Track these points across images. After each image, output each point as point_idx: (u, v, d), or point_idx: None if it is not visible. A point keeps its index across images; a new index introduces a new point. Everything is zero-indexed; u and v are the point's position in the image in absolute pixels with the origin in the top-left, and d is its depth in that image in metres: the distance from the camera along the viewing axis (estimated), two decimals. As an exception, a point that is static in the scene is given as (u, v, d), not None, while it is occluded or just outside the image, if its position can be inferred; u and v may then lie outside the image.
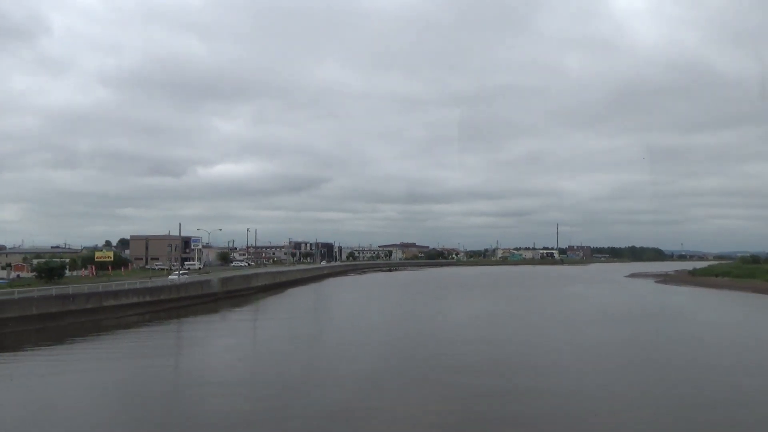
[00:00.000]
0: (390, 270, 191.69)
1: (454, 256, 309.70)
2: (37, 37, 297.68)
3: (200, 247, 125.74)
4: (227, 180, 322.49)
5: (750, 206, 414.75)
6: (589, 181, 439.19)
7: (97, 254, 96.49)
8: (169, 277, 76.39)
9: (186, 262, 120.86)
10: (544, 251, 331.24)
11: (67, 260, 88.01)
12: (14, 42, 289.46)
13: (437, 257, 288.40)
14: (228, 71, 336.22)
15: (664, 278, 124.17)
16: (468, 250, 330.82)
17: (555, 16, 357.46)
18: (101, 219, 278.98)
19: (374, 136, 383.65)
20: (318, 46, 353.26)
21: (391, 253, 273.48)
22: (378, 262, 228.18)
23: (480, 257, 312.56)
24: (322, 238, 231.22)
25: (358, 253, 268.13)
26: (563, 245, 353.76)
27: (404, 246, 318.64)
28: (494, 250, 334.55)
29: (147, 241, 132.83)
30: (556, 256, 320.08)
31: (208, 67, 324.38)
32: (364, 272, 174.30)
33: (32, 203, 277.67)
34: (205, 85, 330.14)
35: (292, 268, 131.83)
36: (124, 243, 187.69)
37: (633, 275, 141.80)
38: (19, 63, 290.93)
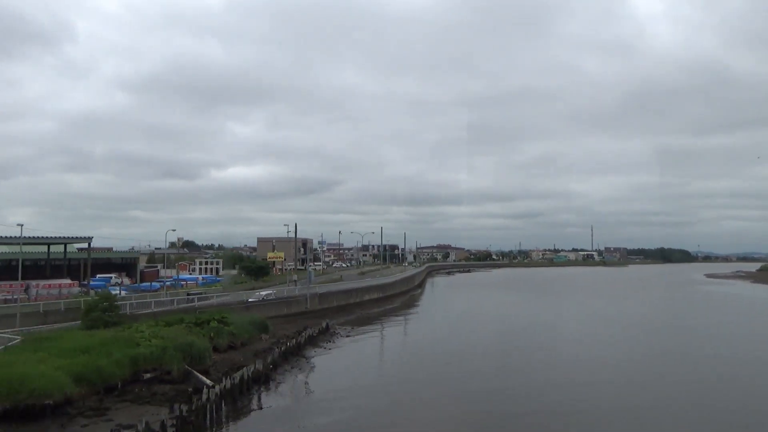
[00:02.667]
0: (468, 271, 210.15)
1: (494, 257, 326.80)
2: (61, 42, 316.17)
3: (324, 248, 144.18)
4: (239, 183, 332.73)
5: (763, 207, 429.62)
6: (601, 184, 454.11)
7: (270, 255, 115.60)
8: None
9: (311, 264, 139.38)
10: (583, 253, 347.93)
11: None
12: (37, 47, 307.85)
13: (485, 259, 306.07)
14: (245, 75, 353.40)
15: (754, 278, 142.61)
16: (500, 251, 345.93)
17: (575, 18, 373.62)
18: (111, 222, 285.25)
19: (387, 139, 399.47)
20: (335, 51, 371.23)
21: (448, 254, 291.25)
22: (446, 263, 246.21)
23: (510, 259, 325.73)
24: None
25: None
26: (569, 247, 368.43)
27: (440, 248, 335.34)
28: (527, 252, 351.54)
29: (273, 242, 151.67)
30: (596, 257, 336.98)
31: (225, 71, 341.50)
32: (451, 273, 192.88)
33: (45, 206, 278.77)
34: (222, 88, 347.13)
35: (393, 277, 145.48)
36: (187, 244, 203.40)
37: (711, 275, 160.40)
38: (41, 68, 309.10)
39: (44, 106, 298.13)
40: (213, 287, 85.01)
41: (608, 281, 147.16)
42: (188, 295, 62.14)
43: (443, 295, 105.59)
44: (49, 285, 70.02)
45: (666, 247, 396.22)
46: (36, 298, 65.84)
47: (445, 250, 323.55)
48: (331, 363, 41.70)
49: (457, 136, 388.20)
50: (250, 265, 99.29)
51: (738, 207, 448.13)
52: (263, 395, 31.10)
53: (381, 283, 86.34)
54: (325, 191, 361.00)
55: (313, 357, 42.26)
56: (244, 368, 32.46)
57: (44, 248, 77.53)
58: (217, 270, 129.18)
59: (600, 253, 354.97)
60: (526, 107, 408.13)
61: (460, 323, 64.94)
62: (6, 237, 69.52)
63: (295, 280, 79.77)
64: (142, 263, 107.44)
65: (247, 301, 59.79)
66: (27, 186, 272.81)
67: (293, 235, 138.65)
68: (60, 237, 74.30)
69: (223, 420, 26.72)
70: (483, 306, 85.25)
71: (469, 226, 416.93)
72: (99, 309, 41.62)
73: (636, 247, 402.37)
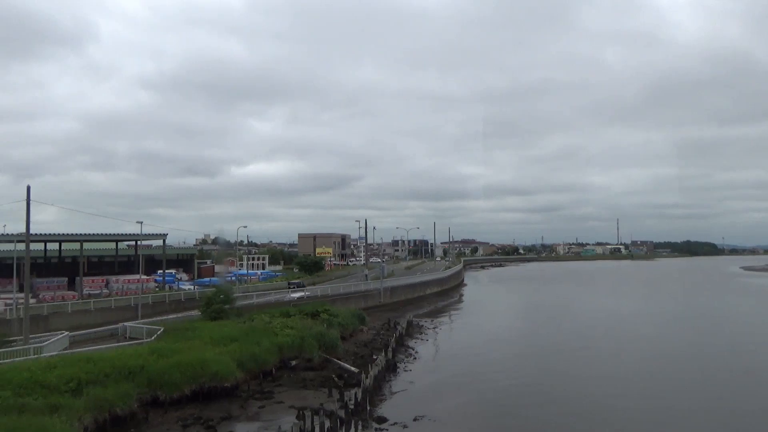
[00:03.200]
0: (501, 265, 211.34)
1: (521, 252, 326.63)
2: (85, 43, 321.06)
3: (360, 244, 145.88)
4: (259, 180, 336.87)
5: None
6: (622, 176, 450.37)
7: (318, 251, 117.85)
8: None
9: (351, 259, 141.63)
10: (610, 247, 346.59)
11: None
12: (62, 49, 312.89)
13: (512, 253, 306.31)
14: (265, 73, 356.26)
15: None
16: (523, 245, 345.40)
17: (598, 9, 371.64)
18: (133, 219, 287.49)
19: (407, 134, 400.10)
20: (356, 47, 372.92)
21: (477, 249, 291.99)
22: (477, 258, 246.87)
23: (536, 253, 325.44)
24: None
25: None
26: (591, 241, 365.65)
27: (465, 242, 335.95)
28: (552, 246, 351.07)
29: (314, 238, 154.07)
30: (623, 251, 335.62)
31: (246, 69, 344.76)
32: (485, 267, 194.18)
33: (68, 204, 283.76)
34: (243, 86, 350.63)
35: (447, 272, 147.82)
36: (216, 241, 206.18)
37: (748, 268, 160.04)
38: (66, 68, 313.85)
39: (68, 106, 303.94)
40: (274, 281, 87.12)
41: (648, 275, 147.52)
42: (289, 287, 65.15)
43: (493, 289, 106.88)
44: (128, 280, 72.49)
45: (691, 240, 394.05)
46: (117, 293, 68.24)
47: (470, 244, 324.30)
48: (433, 350, 43.64)
49: (476, 131, 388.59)
50: (304, 260, 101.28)
51: (762, 198, 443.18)
52: (395, 381, 32.86)
53: (439, 278, 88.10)
54: (344, 187, 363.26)
55: (414, 346, 43.98)
56: (379, 356, 34.20)
57: (96, 245, 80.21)
58: (263, 265, 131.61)
59: (626, 246, 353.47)
60: (546, 101, 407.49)
61: (534, 313, 66.46)
62: (76, 234, 72.11)
63: (366, 274, 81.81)
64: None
65: (329, 295, 61.88)
66: (51, 185, 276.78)
67: (332, 232, 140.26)
68: (132, 234, 76.62)
69: (377, 403, 28.44)
70: (545, 298, 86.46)
71: (488, 220, 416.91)
72: (219, 302, 43.65)
73: (659, 240, 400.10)
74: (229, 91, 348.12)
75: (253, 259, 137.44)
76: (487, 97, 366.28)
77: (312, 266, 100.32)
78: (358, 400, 26.28)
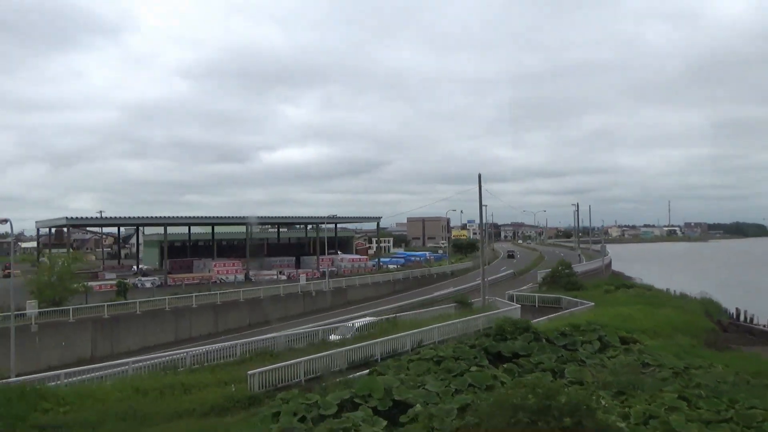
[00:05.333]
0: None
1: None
2: (124, 33, 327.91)
3: (474, 227, 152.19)
4: (291, 165, 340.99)
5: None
6: (657, 157, 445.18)
7: (455, 233, 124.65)
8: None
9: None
10: (666, 228, 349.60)
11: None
12: (101, 39, 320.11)
13: (569, 237, 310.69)
14: (301, 58, 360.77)
15: None
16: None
17: None
18: (167, 206, 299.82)
19: (441, 117, 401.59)
20: (393, 30, 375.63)
21: (542, 233, 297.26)
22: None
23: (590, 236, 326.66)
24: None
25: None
26: (633, 222, 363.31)
27: (515, 225, 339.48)
28: (604, 228, 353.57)
29: (423, 221, 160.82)
30: (679, 233, 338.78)
31: (282, 56, 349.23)
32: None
33: (105, 192, 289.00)
34: (278, 72, 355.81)
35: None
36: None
37: None
38: (105, 59, 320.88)
39: (107, 96, 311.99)
40: (443, 263, 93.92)
41: (741, 257, 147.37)
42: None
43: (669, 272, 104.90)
44: (352, 259, 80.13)
45: (739, 221, 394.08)
46: (345, 271, 75.38)
47: (519, 227, 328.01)
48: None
49: (511, 113, 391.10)
50: (459, 242, 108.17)
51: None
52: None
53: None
54: (374, 171, 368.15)
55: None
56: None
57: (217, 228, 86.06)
58: (388, 248, 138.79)
59: (680, 228, 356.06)
60: (583, 81, 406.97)
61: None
62: (304, 217, 79.50)
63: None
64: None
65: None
66: (89, 173, 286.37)
67: (442, 215, 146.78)
68: (349, 216, 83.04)
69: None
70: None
71: (519, 203, 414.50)
72: (564, 275, 50.32)
73: (695, 222, 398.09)
74: (265, 77, 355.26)
75: (381, 242, 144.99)
76: (524, 79, 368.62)
77: (467, 247, 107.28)
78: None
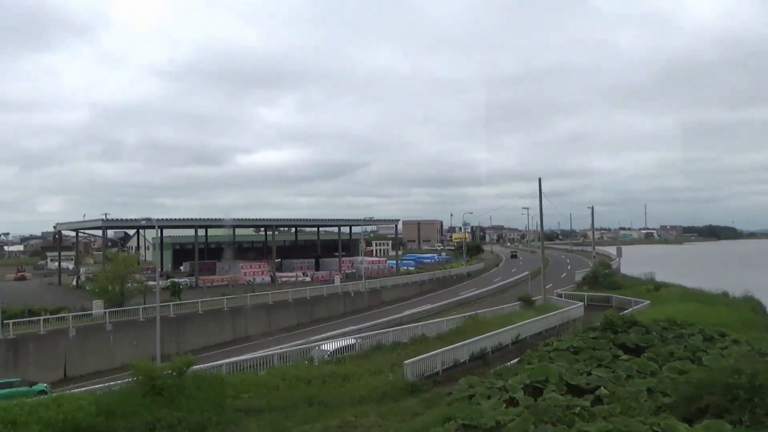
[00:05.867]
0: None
1: (560, 238, 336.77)
2: (96, 32, 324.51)
3: (468, 230, 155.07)
4: (266, 168, 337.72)
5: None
6: (630, 160, 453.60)
7: (456, 236, 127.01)
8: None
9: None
10: (644, 231, 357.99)
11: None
12: (73, 38, 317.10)
13: (553, 239, 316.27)
14: (277, 60, 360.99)
15: None
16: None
17: None
18: (138, 209, 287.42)
19: (416, 119, 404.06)
20: (369, 31, 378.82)
21: (524, 236, 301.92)
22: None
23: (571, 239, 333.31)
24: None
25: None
26: (606, 226, 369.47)
27: (495, 228, 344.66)
28: (582, 232, 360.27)
29: (419, 224, 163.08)
30: (655, 236, 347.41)
31: (258, 57, 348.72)
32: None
33: (76, 195, 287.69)
34: (254, 74, 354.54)
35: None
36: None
37: None
38: (77, 58, 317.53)
39: (78, 95, 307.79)
40: (454, 265, 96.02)
41: (729, 258, 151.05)
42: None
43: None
44: (371, 261, 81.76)
45: (712, 224, 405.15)
46: (366, 272, 76.83)
47: (499, 230, 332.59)
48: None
49: (485, 116, 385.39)
50: (469, 244, 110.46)
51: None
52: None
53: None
54: (350, 174, 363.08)
55: None
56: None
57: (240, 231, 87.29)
58: (386, 251, 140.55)
59: (657, 231, 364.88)
60: (558, 84, 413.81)
61: None
62: (315, 219, 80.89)
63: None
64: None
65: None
66: (58, 175, 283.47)
67: (432, 218, 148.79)
68: (367, 219, 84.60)
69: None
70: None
71: (495, 206, 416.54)
72: (603, 275, 52.71)
73: (671, 224, 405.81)
74: (240, 78, 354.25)
75: (378, 244, 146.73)
76: (499, 81, 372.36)
77: (474, 249, 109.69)
78: None
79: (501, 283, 70.53)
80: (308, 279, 70.90)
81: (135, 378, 18.28)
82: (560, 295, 47.69)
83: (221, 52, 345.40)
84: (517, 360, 21.85)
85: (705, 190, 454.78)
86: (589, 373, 18.74)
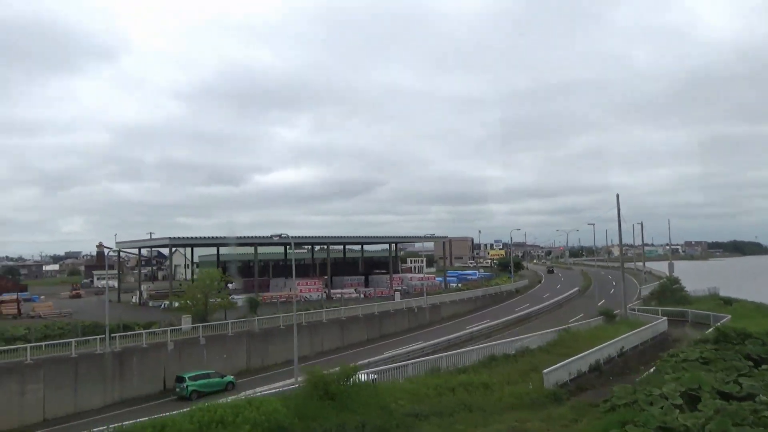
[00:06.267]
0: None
1: (583, 254, 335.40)
2: (118, 56, 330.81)
3: (500, 247, 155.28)
4: (283, 187, 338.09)
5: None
6: (647, 176, 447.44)
7: (492, 252, 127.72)
8: None
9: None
10: (668, 247, 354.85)
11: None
12: (96, 62, 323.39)
13: (577, 256, 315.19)
14: (294, 81, 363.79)
15: None
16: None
17: (626, 6, 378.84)
18: (156, 228, 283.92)
19: (431, 137, 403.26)
20: (383, 51, 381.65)
21: (550, 252, 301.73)
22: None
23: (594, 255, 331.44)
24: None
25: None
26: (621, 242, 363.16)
27: (517, 246, 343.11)
28: (605, 248, 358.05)
29: (450, 241, 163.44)
30: (680, 251, 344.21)
31: (275, 78, 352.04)
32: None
33: (96, 215, 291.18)
34: (271, 95, 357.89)
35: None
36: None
37: None
38: (99, 81, 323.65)
39: (100, 118, 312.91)
40: (501, 281, 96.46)
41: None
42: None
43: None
44: (421, 278, 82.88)
45: (736, 239, 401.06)
46: (416, 289, 77.99)
47: (522, 247, 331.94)
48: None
49: (500, 132, 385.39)
50: (505, 260, 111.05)
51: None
52: None
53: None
54: (367, 192, 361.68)
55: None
56: None
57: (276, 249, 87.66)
58: (421, 268, 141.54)
59: (681, 247, 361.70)
60: (572, 101, 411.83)
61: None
62: (346, 237, 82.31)
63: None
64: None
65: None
66: (78, 196, 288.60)
67: (466, 236, 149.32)
68: (416, 236, 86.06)
69: None
70: None
71: (511, 223, 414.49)
72: (672, 290, 53.47)
73: (695, 240, 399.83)
74: (258, 99, 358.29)
75: (412, 261, 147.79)
76: (513, 98, 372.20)
77: (516, 266, 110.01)
78: None
79: (553, 300, 71.08)
80: (361, 296, 72.08)
81: (309, 384, 19.52)
82: (633, 310, 48.33)
83: (238, 73, 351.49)
84: (653, 369, 22.77)
85: (726, 205, 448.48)
86: (737, 382, 19.69)
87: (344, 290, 74.89)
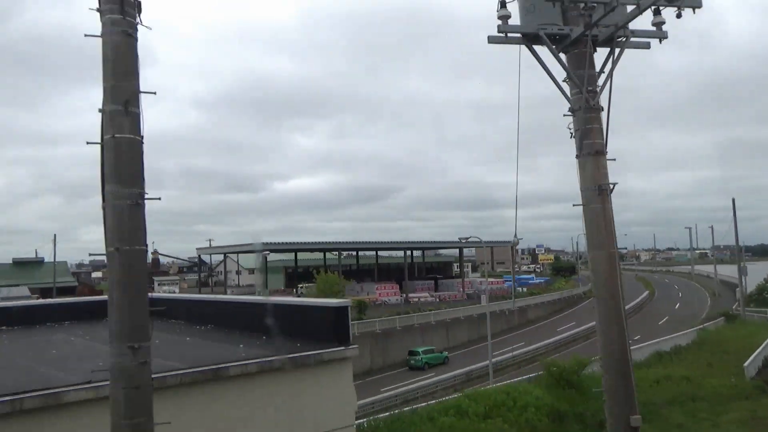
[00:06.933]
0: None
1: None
2: (144, 67, 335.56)
3: (542, 252, 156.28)
4: (301, 194, 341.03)
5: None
6: (668, 180, 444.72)
7: (541, 257, 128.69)
8: None
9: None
10: (697, 251, 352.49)
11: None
12: None
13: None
14: (313, 88, 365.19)
15: None
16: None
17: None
18: (175, 236, 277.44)
19: (451, 143, 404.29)
20: (403, 59, 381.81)
21: (580, 256, 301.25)
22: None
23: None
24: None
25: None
26: (646, 246, 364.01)
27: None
28: (632, 252, 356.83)
29: (492, 248, 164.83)
30: (709, 255, 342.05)
31: (294, 85, 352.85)
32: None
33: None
34: (291, 102, 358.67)
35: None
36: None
37: None
38: None
39: None
40: (563, 285, 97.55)
41: None
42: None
43: None
44: (491, 282, 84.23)
45: (764, 243, 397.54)
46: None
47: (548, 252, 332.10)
48: None
49: (520, 138, 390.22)
50: (559, 265, 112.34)
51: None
52: None
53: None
54: (386, 198, 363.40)
55: None
56: None
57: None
58: (467, 273, 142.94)
59: (710, 251, 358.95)
60: None
61: None
62: (417, 242, 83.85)
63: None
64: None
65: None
66: (98, 204, 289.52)
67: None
68: (482, 241, 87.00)
69: None
70: None
71: (528, 229, 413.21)
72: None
73: (723, 244, 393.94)
74: (277, 106, 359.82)
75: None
76: (533, 103, 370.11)
77: (567, 269, 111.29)
78: None
79: (630, 303, 72.20)
80: (436, 299, 73.71)
81: (551, 374, 21.20)
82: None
83: (258, 82, 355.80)
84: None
85: (750, 208, 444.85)
86: None
87: (419, 294, 76.64)
